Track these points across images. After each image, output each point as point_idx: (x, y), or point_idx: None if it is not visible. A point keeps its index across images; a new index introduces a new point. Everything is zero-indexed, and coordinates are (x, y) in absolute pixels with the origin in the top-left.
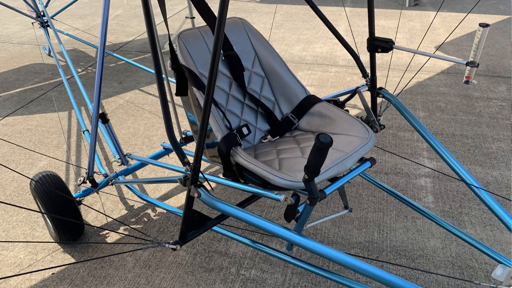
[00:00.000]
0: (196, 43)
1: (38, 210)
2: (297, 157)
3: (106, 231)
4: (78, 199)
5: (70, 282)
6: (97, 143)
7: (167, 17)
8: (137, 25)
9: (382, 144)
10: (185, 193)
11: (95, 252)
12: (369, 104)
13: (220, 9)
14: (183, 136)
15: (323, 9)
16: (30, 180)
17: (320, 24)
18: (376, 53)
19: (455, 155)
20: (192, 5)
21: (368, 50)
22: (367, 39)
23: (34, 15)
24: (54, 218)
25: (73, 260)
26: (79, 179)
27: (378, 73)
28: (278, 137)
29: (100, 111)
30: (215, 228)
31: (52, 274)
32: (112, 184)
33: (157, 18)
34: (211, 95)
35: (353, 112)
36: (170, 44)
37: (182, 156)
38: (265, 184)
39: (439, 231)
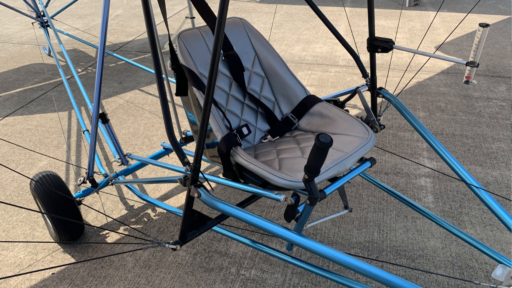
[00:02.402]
0: (196, 43)
1: (38, 210)
2: (297, 157)
3: (106, 231)
4: (78, 199)
5: (70, 282)
6: (97, 143)
7: (167, 17)
8: (137, 25)
9: (382, 144)
10: (185, 193)
11: (95, 252)
12: (369, 104)
13: (220, 9)
14: (183, 136)
15: (323, 9)
16: (30, 180)
17: (320, 24)
18: (376, 53)
19: (455, 155)
20: (192, 5)
21: (368, 50)
22: (367, 39)
23: (34, 15)
24: (54, 218)
25: (73, 260)
26: (79, 179)
27: (378, 73)
28: (278, 137)
29: (100, 111)
30: (215, 228)
31: (52, 274)
32: (112, 184)
33: (157, 18)
34: (211, 95)
35: (353, 112)
36: (170, 44)
37: (182, 156)
38: (265, 184)
39: (439, 231)
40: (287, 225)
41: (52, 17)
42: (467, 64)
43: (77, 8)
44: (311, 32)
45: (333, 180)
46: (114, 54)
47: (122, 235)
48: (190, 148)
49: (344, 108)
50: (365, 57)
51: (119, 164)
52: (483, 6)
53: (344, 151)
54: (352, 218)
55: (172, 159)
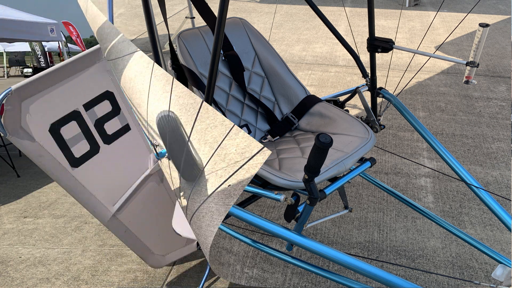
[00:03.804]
0: (196, 43)
1: None
2: (297, 157)
3: None
4: None
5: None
6: None
7: (167, 17)
8: (139, 25)
9: (382, 144)
10: None
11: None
12: (369, 104)
13: (220, 9)
14: None
15: (323, 9)
16: None
17: (320, 24)
18: (376, 53)
19: (455, 155)
20: (192, 5)
21: (368, 50)
22: (367, 39)
23: None
24: None
25: None
26: None
27: (378, 73)
28: (278, 137)
29: None
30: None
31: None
32: None
33: (157, 18)
34: (211, 95)
35: (353, 112)
36: (170, 44)
37: None
38: (265, 184)
39: (439, 231)
40: (287, 225)
41: None
42: (467, 64)
43: None
44: (311, 32)
45: (333, 180)
46: None
47: None
48: None
49: (344, 108)
50: (365, 57)
51: None
52: (483, 6)
53: (344, 151)
54: (352, 218)
55: None
